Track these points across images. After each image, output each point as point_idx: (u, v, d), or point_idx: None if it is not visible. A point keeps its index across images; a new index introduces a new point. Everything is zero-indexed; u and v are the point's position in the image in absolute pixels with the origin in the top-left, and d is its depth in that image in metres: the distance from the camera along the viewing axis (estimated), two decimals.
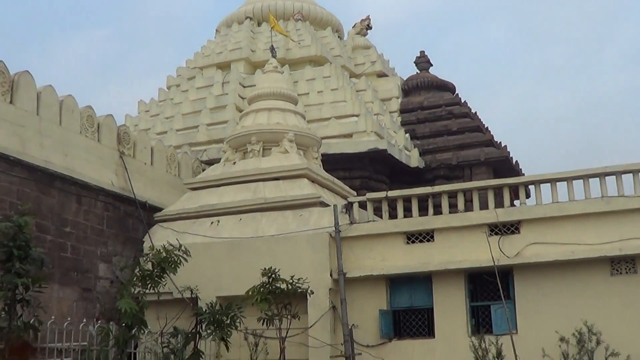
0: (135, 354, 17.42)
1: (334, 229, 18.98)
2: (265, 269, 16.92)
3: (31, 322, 12.80)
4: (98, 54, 79.28)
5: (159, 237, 20.50)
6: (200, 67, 32.64)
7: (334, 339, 18.43)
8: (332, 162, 25.33)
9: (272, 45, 25.64)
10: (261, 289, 16.73)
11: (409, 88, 32.60)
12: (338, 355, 18.04)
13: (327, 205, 20.11)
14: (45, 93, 20.33)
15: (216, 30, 35.43)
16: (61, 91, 21.00)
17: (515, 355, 16.44)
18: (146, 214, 22.26)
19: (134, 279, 15.22)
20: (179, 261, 15.47)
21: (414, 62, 33.88)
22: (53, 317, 15.36)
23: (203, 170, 25.01)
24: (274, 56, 25.23)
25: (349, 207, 19.85)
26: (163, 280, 15.50)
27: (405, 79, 33.44)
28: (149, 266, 15.49)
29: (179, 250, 15.51)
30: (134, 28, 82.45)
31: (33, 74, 20.00)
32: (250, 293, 16.89)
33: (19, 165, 18.68)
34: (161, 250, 15.50)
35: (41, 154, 19.53)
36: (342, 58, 32.76)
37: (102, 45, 78.80)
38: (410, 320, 18.92)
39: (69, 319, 15.72)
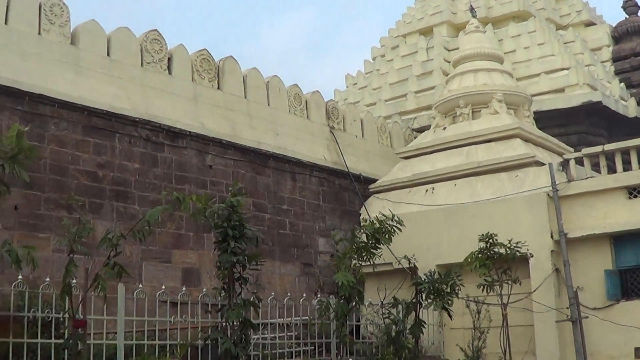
0: (358, 326, 17.52)
1: (551, 188, 18.28)
2: (482, 234, 16.47)
3: (251, 299, 13.03)
4: (305, 35, 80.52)
5: (375, 209, 20.54)
6: (402, 35, 32.33)
7: (558, 302, 17.68)
8: (545, 119, 24.54)
9: (471, 6, 25.28)
10: (479, 255, 16.35)
11: (619, 35, 31.08)
12: (564, 319, 17.38)
13: (542, 164, 19.38)
14: (250, 76, 20.77)
15: None
16: (270, 73, 21.43)
17: None
18: (361, 186, 22.39)
19: (350, 252, 15.26)
20: (392, 231, 15.39)
21: (622, 7, 32.34)
22: (273, 293, 15.63)
23: (415, 138, 24.82)
24: (474, 16, 24.75)
25: (565, 164, 19.02)
26: (378, 251, 15.46)
27: (614, 25, 31.92)
28: (364, 238, 15.51)
29: (392, 220, 15.42)
30: (338, 5, 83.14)
31: (242, 59, 20.53)
32: (468, 260, 16.53)
33: (232, 148, 19.21)
34: (374, 222, 15.47)
35: (253, 136, 19.98)
36: (545, 10, 31.54)
37: (309, 25, 79.99)
38: (637, 279, 17.86)
39: (288, 294, 15.94)
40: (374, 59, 33.00)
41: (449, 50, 29.61)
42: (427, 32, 31.44)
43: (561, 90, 26.09)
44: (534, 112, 23.61)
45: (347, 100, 30.27)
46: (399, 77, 29.87)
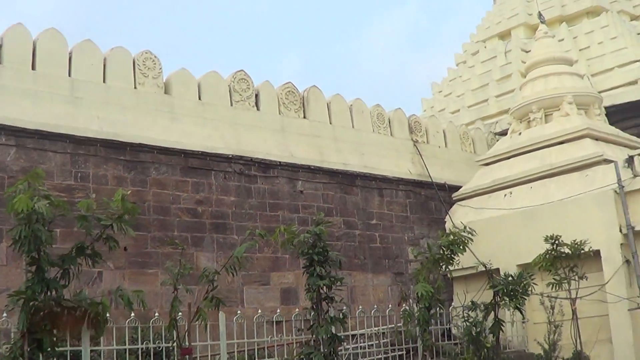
0: (450, 328, 18.82)
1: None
2: (547, 236, 17.43)
3: (337, 316, 14.56)
4: (405, 32, 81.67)
5: (459, 215, 21.85)
6: (482, 40, 33.15)
7: (630, 292, 18.55)
8: (620, 113, 25.30)
9: (539, 12, 26.12)
10: (546, 256, 17.46)
11: None
12: (635, 307, 18.30)
13: (611, 161, 20.11)
14: (334, 101, 22.33)
15: (493, 0, 35.90)
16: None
17: None
18: (446, 194, 23.65)
19: (428, 264, 16.53)
20: (466, 242, 16.51)
21: None
22: (360, 307, 17.10)
23: (497, 141, 25.87)
24: (542, 22, 25.58)
25: (630, 161, 19.55)
26: (454, 261, 16.59)
27: None
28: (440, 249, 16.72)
29: (464, 231, 16.56)
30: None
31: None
32: (536, 261, 17.67)
33: (320, 172, 20.78)
34: (449, 234, 16.72)
35: (339, 158, 21.51)
36: (618, 3, 31.75)
37: (409, 22, 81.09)
38: None
39: (375, 307, 17.33)
40: (457, 65, 34.01)
41: (526, 52, 30.15)
42: (505, 35, 32.26)
43: (634, 82, 26.49)
44: (609, 107, 24.57)
45: (433, 108, 31.49)
46: (480, 82, 30.77)
